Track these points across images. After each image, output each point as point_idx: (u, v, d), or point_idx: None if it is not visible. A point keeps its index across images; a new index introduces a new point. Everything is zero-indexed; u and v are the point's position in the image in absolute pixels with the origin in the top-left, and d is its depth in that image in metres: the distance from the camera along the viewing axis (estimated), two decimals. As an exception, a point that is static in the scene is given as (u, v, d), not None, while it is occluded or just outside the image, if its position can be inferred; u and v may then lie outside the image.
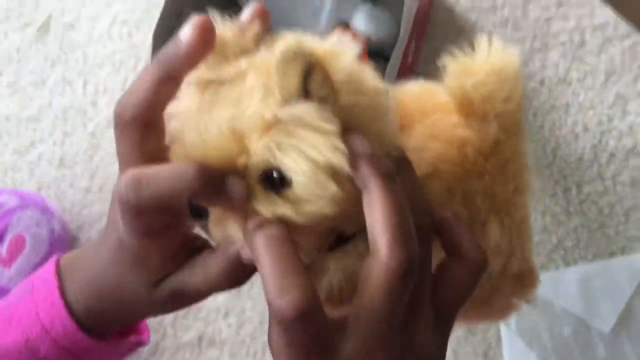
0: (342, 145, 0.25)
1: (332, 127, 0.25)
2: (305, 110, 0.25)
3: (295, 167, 0.25)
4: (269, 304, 0.26)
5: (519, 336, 0.58)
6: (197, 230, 0.32)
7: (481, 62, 0.35)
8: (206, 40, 0.28)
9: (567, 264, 0.62)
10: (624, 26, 0.71)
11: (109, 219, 0.32)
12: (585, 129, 0.67)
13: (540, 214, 0.64)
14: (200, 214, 0.28)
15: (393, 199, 0.26)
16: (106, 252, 0.32)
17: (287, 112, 0.25)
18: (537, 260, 0.62)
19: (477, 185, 0.34)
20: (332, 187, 0.26)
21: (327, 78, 0.26)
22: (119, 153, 0.30)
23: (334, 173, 0.26)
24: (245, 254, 0.29)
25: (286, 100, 0.26)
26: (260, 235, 0.27)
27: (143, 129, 0.29)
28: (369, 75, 0.28)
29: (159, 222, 0.29)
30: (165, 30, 0.63)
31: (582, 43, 0.71)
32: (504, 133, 0.35)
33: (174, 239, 0.30)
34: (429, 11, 0.71)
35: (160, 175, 0.27)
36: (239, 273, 0.30)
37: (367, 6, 0.65)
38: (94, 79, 0.76)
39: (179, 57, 0.28)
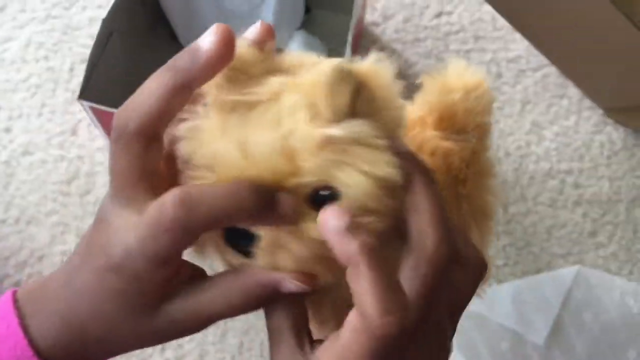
0: (396, 160, 0.26)
1: (384, 142, 0.26)
2: (360, 127, 0.26)
3: (353, 182, 0.26)
4: (371, 320, 0.25)
5: (459, 353, 0.59)
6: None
7: (456, 80, 0.37)
8: (228, 51, 0.26)
9: (500, 281, 0.65)
10: (535, 59, 0.77)
11: (92, 243, 0.29)
12: (507, 153, 0.72)
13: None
14: (243, 238, 0.27)
15: (437, 194, 0.27)
16: (83, 281, 0.29)
17: (342, 129, 0.25)
18: (471, 279, 0.65)
19: (462, 191, 0.36)
20: (388, 201, 0.26)
21: (373, 96, 0.26)
22: (116, 168, 0.28)
23: (388, 187, 0.26)
24: (287, 286, 0.27)
25: (336, 119, 0.26)
26: (362, 249, 0.25)
27: (147, 142, 0.27)
28: (397, 90, 0.29)
29: (191, 245, 0.27)
30: (100, 52, 0.61)
31: (499, 75, 0.76)
32: (481, 144, 0.37)
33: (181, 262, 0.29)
34: (358, 42, 0.74)
35: (214, 195, 0.25)
36: (267, 298, 0.28)
37: (302, 34, 0.67)
38: (7, 104, 0.71)
39: (198, 66, 0.26)
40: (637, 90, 0.70)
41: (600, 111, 0.75)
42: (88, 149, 0.69)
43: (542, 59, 0.77)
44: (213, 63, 0.26)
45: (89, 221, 0.65)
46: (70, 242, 0.65)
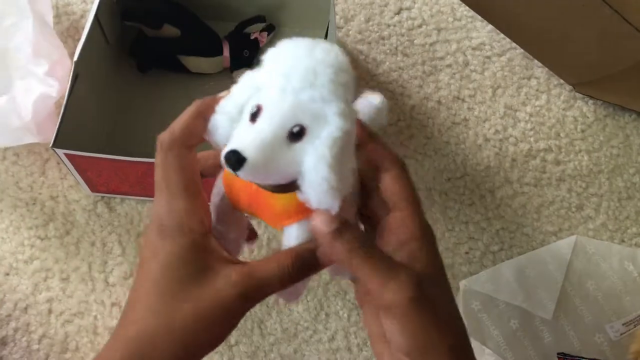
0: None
1: None
2: None
3: None
4: (380, 297, 0.33)
5: (472, 336, 0.63)
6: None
7: None
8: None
9: (498, 265, 0.69)
10: (498, 44, 0.83)
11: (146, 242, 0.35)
12: (486, 139, 0.77)
13: (464, 224, 0.71)
14: None
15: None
16: (141, 280, 0.35)
17: None
18: (471, 268, 0.69)
19: None
20: None
21: None
22: (161, 173, 0.36)
23: None
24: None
25: None
26: (348, 252, 0.34)
27: (182, 149, 0.36)
28: None
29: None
30: (68, 96, 0.62)
31: (466, 63, 0.81)
32: None
33: None
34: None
35: None
36: (310, 259, 0.36)
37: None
38: (-35, 153, 0.71)
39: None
40: (602, 62, 0.76)
41: (569, 87, 0.80)
42: (60, 188, 0.70)
43: (504, 44, 0.83)
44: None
45: (73, 263, 0.66)
46: (55, 288, 0.65)
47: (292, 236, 0.36)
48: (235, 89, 0.35)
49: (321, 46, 0.33)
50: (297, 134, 0.32)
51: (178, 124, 0.36)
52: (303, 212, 0.34)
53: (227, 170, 0.32)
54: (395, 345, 0.34)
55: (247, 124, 0.33)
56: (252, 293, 0.34)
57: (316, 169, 0.32)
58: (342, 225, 0.33)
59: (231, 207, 0.39)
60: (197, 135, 0.36)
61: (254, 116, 0.33)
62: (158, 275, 0.34)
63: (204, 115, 0.36)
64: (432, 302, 0.34)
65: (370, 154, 0.37)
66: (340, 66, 0.33)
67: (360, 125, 0.36)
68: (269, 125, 0.32)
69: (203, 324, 0.34)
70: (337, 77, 0.32)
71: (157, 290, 0.34)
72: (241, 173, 0.31)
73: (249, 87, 0.34)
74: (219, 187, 0.39)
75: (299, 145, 0.32)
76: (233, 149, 0.31)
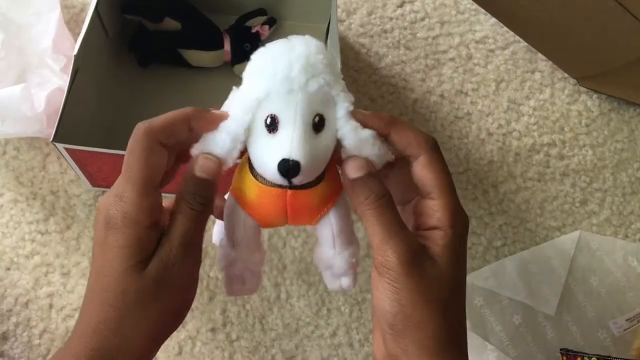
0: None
1: None
2: None
3: None
4: (378, 254, 0.35)
5: (474, 332, 0.63)
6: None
7: None
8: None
9: (501, 261, 0.69)
10: (501, 37, 0.82)
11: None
12: (489, 133, 0.77)
13: (467, 219, 0.71)
14: None
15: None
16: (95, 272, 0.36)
17: None
18: (473, 263, 0.69)
19: None
20: None
21: None
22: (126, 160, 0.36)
23: None
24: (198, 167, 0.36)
25: None
26: (371, 202, 0.35)
27: (152, 142, 0.36)
28: None
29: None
30: (69, 90, 0.62)
31: (469, 57, 0.81)
32: None
33: None
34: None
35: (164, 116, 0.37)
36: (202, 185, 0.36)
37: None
38: (-35, 147, 0.71)
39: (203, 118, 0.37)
40: (605, 56, 0.75)
41: (573, 81, 0.80)
42: (61, 182, 0.70)
43: (508, 37, 0.82)
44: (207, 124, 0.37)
45: (74, 258, 0.66)
46: (56, 283, 0.66)
47: (336, 216, 0.38)
48: (234, 109, 0.36)
49: (297, 40, 0.35)
50: (319, 124, 0.34)
51: (159, 119, 0.36)
52: (334, 193, 0.37)
53: (247, 194, 0.36)
54: (380, 312, 0.35)
55: (267, 136, 0.35)
56: (184, 252, 0.36)
57: (359, 137, 0.35)
58: (367, 176, 0.35)
59: (259, 230, 0.39)
60: (174, 136, 0.37)
61: (271, 126, 0.34)
62: (104, 267, 0.35)
63: (189, 122, 0.36)
64: (430, 282, 0.34)
65: (395, 141, 0.37)
66: (323, 49, 0.35)
67: (376, 115, 0.37)
68: (295, 126, 0.34)
69: (155, 309, 0.35)
70: (327, 59, 0.35)
71: (105, 281, 0.35)
72: (297, 179, 0.34)
73: (249, 103, 0.35)
74: (237, 219, 0.39)
75: (324, 133, 0.35)
76: (284, 157, 0.33)
